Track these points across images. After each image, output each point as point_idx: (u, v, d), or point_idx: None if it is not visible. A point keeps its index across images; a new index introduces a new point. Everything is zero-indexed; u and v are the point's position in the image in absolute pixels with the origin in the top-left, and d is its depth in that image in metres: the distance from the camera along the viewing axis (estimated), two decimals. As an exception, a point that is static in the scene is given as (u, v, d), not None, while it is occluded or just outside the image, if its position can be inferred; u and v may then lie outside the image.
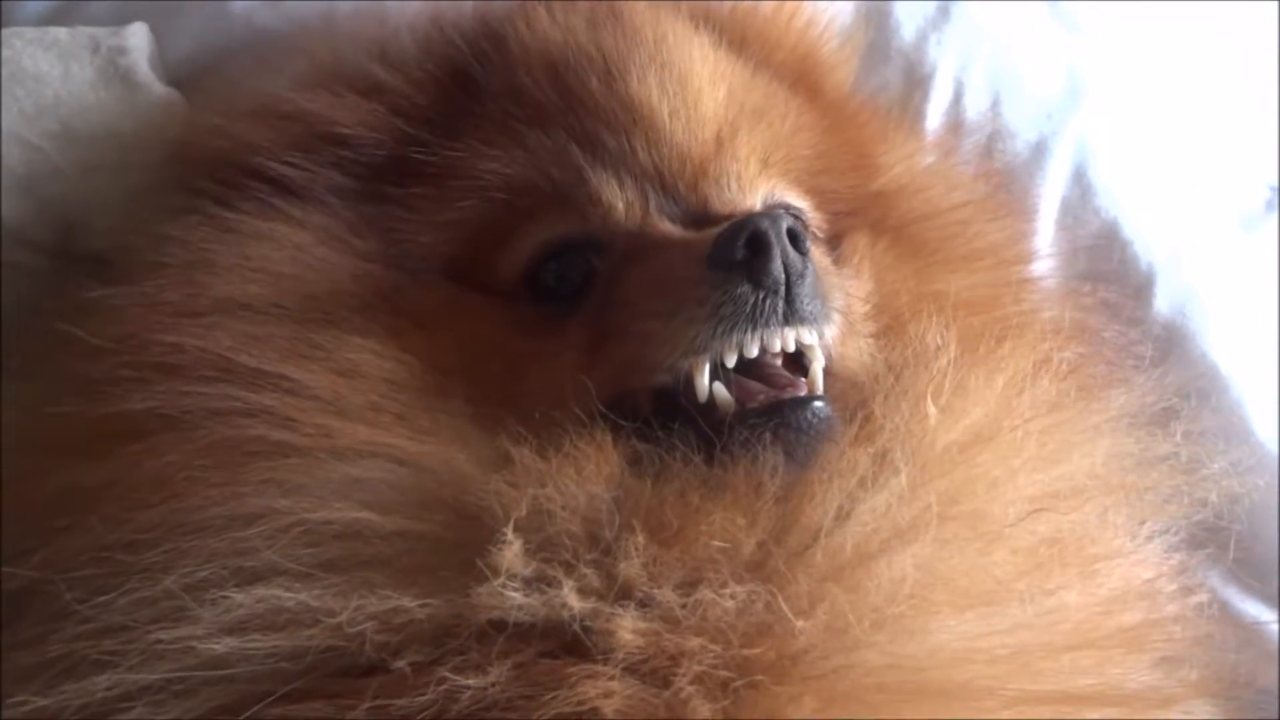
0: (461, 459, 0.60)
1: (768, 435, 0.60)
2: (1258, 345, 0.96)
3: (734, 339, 0.62)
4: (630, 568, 0.56)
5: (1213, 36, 1.30)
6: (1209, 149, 1.18)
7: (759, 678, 0.54)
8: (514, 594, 0.54)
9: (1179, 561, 0.83)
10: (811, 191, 0.78)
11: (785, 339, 0.62)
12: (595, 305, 0.66)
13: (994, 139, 0.97)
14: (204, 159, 0.72)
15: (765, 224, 0.62)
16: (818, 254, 0.68)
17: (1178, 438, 0.74)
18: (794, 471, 0.60)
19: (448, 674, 0.53)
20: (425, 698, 0.53)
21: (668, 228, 0.68)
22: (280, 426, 0.61)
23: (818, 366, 0.64)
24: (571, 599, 0.55)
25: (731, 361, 0.62)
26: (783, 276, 0.62)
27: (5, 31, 0.80)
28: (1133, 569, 0.68)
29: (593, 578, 0.56)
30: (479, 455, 0.60)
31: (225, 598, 0.55)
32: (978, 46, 0.99)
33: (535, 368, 0.65)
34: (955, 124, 0.97)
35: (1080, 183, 0.97)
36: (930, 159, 0.90)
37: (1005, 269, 0.83)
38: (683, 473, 0.59)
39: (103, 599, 0.57)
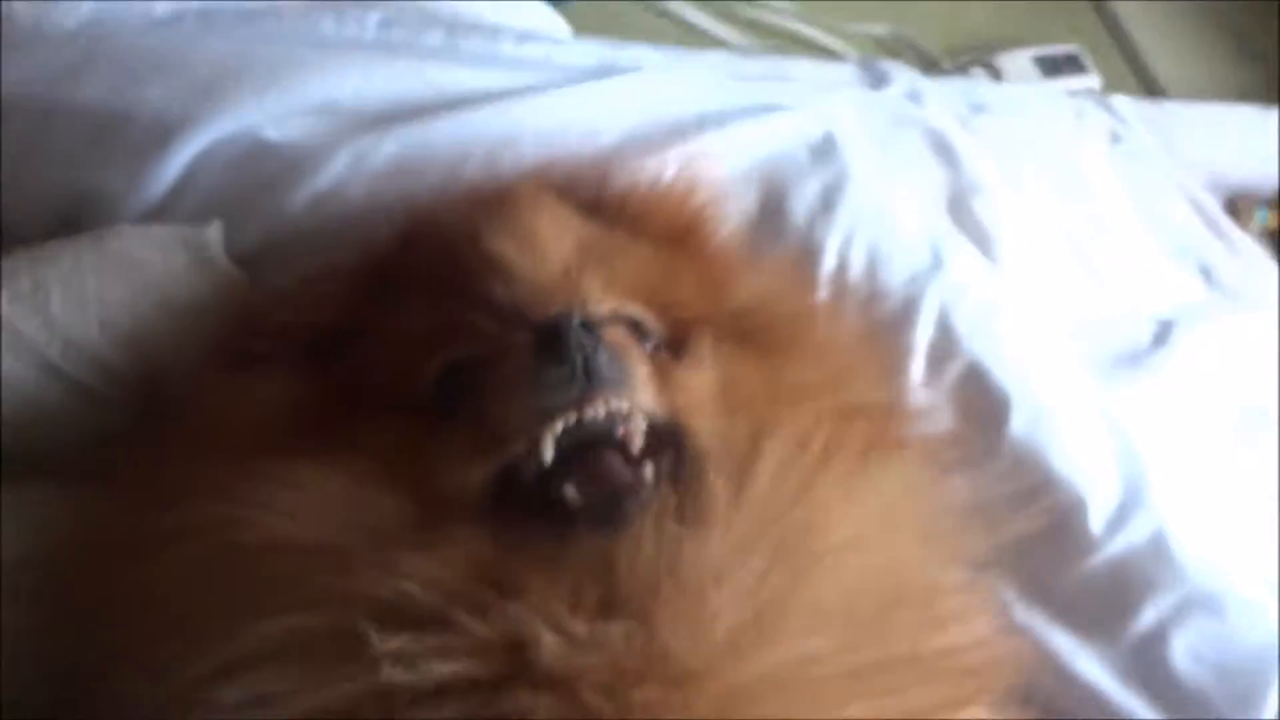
0: (363, 554, 0.71)
1: (605, 518, 0.73)
2: (1099, 458, 1.12)
3: (554, 400, 0.76)
4: (497, 624, 0.67)
5: (1093, 182, 1.54)
6: (1079, 290, 1.40)
7: (645, 685, 0.65)
8: (402, 673, 0.65)
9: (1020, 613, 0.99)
10: (657, 307, 0.90)
11: (595, 407, 0.76)
12: (471, 404, 0.80)
13: (870, 297, 1.18)
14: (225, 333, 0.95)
15: (559, 318, 0.77)
16: (620, 338, 0.82)
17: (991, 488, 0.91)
18: (620, 535, 0.72)
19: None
20: None
21: (520, 337, 0.81)
22: (250, 531, 0.73)
23: (649, 468, 0.76)
24: (439, 667, 0.66)
25: (559, 428, 0.75)
26: (580, 353, 0.76)
27: (118, 228, 1.03)
28: (954, 603, 0.79)
29: (461, 643, 0.67)
30: (374, 552, 0.71)
31: (222, 689, 0.67)
32: (856, 226, 1.20)
33: (434, 460, 0.78)
34: (839, 285, 1.18)
35: (943, 328, 1.16)
36: (771, 285, 1.05)
37: (839, 360, 0.99)
38: (538, 546, 0.72)
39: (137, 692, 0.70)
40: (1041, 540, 1.08)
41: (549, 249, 0.90)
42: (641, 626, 0.68)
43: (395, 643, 0.66)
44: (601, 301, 0.86)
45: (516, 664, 0.66)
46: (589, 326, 0.79)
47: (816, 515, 0.76)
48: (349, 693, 0.66)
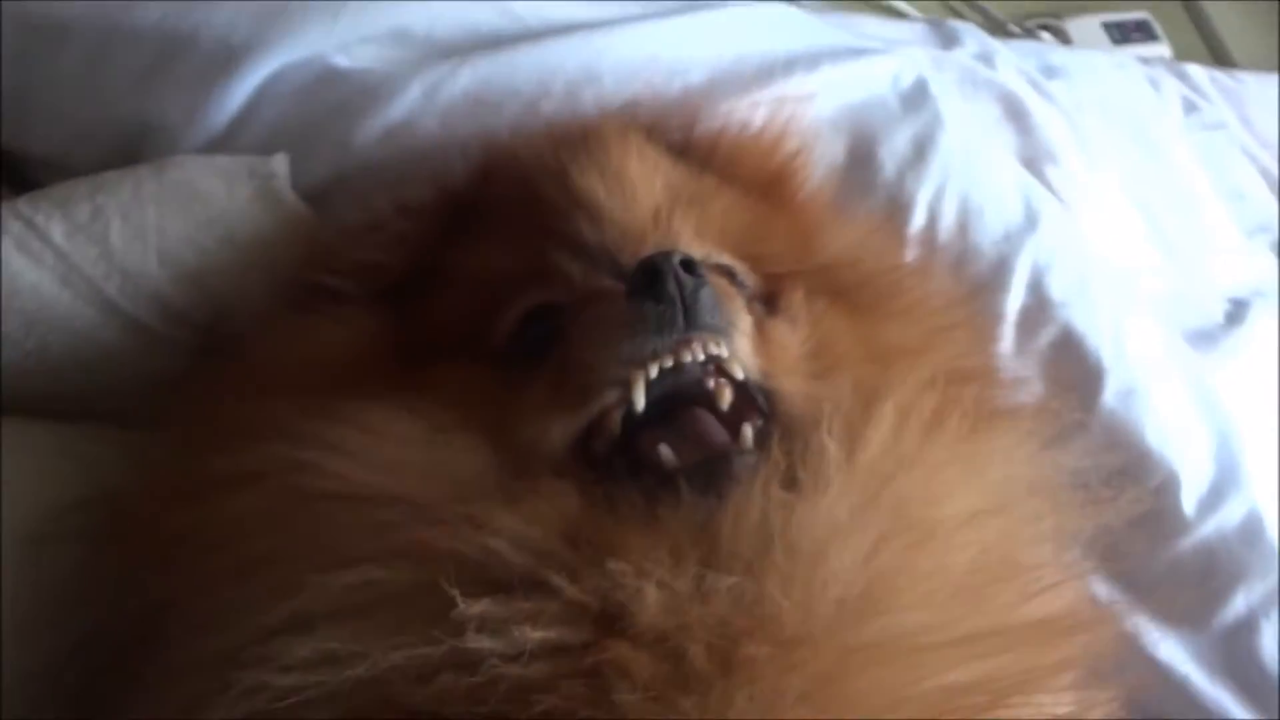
0: (446, 507, 0.68)
1: (704, 484, 0.69)
2: (1192, 436, 1.09)
3: (649, 347, 0.72)
4: (594, 584, 0.64)
5: (1173, 158, 1.48)
6: (1160, 264, 1.35)
7: (753, 643, 0.62)
8: (488, 640, 0.62)
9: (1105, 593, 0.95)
10: (748, 258, 0.87)
11: (694, 350, 0.72)
12: (556, 353, 0.77)
13: (962, 255, 1.13)
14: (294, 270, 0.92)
15: (660, 257, 0.74)
16: (720, 282, 0.79)
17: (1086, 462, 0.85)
18: (721, 503, 0.68)
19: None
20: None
21: (609, 283, 0.79)
22: (322, 477, 0.70)
23: (748, 429, 0.73)
24: (531, 634, 0.62)
25: (655, 372, 0.72)
26: (678, 293, 0.72)
27: (180, 158, 0.99)
28: (1062, 586, 0.76)
29: (552, 607, 0.63)
30: (459, 506, 0.68)
31: (288, 645, 0.64)
32: (948, 179, 1.15)
33: (513, 413, 0.75)
34: (930, 241, 1.13)
35: (1036, 293, 1.12)
36: (863, 240, 1.01)
37: (935, 321, 0.95)
38: (630, 507, 0.68)
39: (204, 638, 0.67)
40: (1131, 519, 1.03)
41: (639, 190, 0.86)
42: (751, 584, 0.65)
43: (482, 606, 0.63)
44: (693, 248, 0.82)
45: (610, 628, 0.65)
46: (691, 265, 0.75)
47: (932, 485, 0.74)
48: (428, 656, 0.62)
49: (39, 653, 0.77)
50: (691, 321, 0.72)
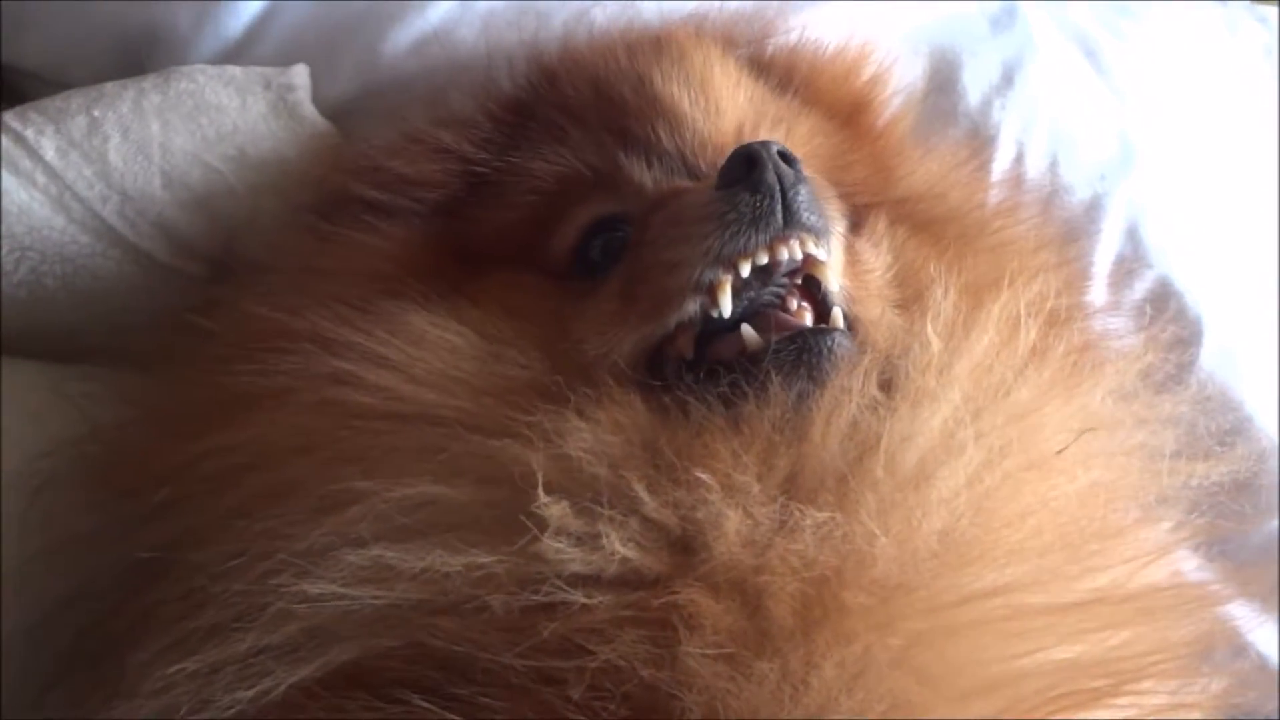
0: (506, 421, 0.63)
1: (794, 362, 0.64)
2: None
3: (741, 242, 0.66)
4: (675, 501, 0.59)
5: (1268, 109, 1.37)
6: (1258, 216, 1.24)
7: (846, 598, 0.57)
8: (568, 549, 0.58)
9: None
10: (830, 183, 0.79)
11: (791, 248, 0.67)
12: (627, 261, 0.72)
13: (1052, 195, 1.02)
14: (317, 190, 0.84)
15: (757, 145, 0.68)
16: (818, 179, 0.72)
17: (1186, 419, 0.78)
18: (814, 391, 0.63)
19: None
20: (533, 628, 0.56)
21: (685, 184, 0.74)
22: (364, 391, 0.66)
23: (838, 311, 0.68)
24: (616, 546, 0.58)
25: (746, 270, 0.66)
26: (777, 184, 0.66)
27: (187, 68, 0.89)
28: (1153, 538, 0.71)
29: (632, 523, 0.59)
30: (523, 417, 0.63)
31: (339, 558, 0.60)
32: (1038, 112, 1.05)
33: (578, 325, 0.70)
34: (1017, 180, 1.02)
35: (1133, 239, 1.03)
36: (945, 174, 0.94)
37: (1025, 262, 0.86)
38: (710, 415, 0.63)
39: (233, 564, 0.61)
40: (1224, 490, 0.93)
41: (723, 101, 0.79)
42: (841, 516, 0.59)
43: (561, 509, 0.59)
44: None
45: (686, 562, 0.58)
46: (789, 157, 0.68)
47: (1032, 414, 0.67)
48: (489, 567, 0.58)
49: (36, 601, 0.73)
50: (790, 218, 0.66)
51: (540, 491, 0.59)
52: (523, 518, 0.58)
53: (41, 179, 0.83)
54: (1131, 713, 0.61)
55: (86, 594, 0.71)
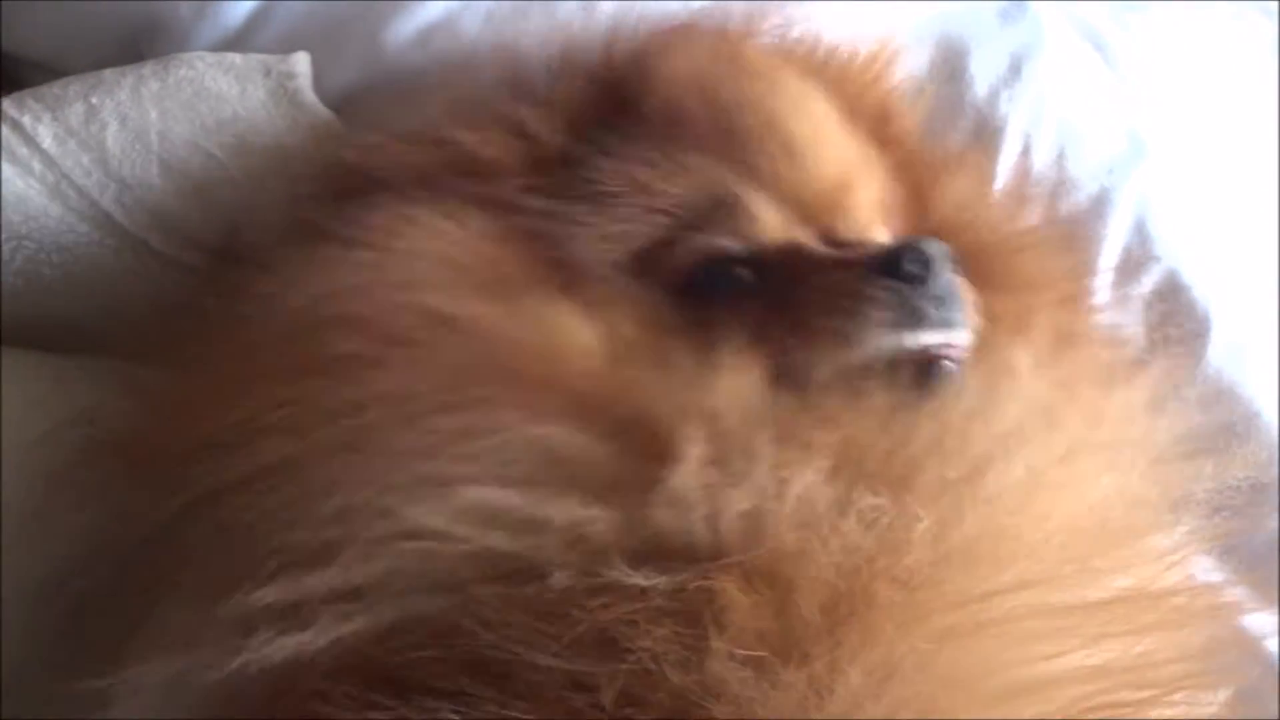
0: (651, 388, 0.65)
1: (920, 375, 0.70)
2: None
3: (912, 333, 0.71)
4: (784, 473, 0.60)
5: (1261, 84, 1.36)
6: (1268, 210, 1.24)
7: (876, 591, 0.57)
8: (682, 511, 0.59)
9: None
10: (887, 225, 0.84)
11: (943, 338, 0.72)
12: (755, 310, 0.74)
13: (1059, 189, 1.02)
14: (367, 171, 0.79)
15: (928, 245, 0.73)
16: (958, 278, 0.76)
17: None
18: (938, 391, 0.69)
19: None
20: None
21: (820, 246, 0.77)
22: (494, 371, 0.66)
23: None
24: (740, 503, 0.59)
25: (903, 352, 0.71)
26: (946, 290, 0.72)
27: (186, 55, 0.88)
28: (1164, 543, 0.72)
29: (754, 481, 0.60)
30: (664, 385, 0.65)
31: (447, 492, 0.59)
32: (1046, 105, 1.04)
33: (699, 356, 0.70)
34: (1023, 174, 1.01)
35: (1140, 232, 1.02)
36: (980, 199, 0.94)
37: (1047, 297, 0.88)
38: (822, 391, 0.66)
39: (318, 502, 0.60)
40: (1238, 491, 0.92)
41: (835, 144, 0.82)
42: (890, 503, 0.60)
43: (697, 454, 0.60)
44: (870, 218, 0.83)
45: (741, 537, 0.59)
46: (949, 257, 0.73)
47: (1056, 429, 0.70)
48: (584, 531, 0.59)
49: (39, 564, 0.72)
50: (946, 320, 0.72)
51: (681, 444, 0.60)
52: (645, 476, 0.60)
53: (38, 167, 0.83)
54: (1177, 712, 0.61)
55: (97, 558, 0.70)
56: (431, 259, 0.73)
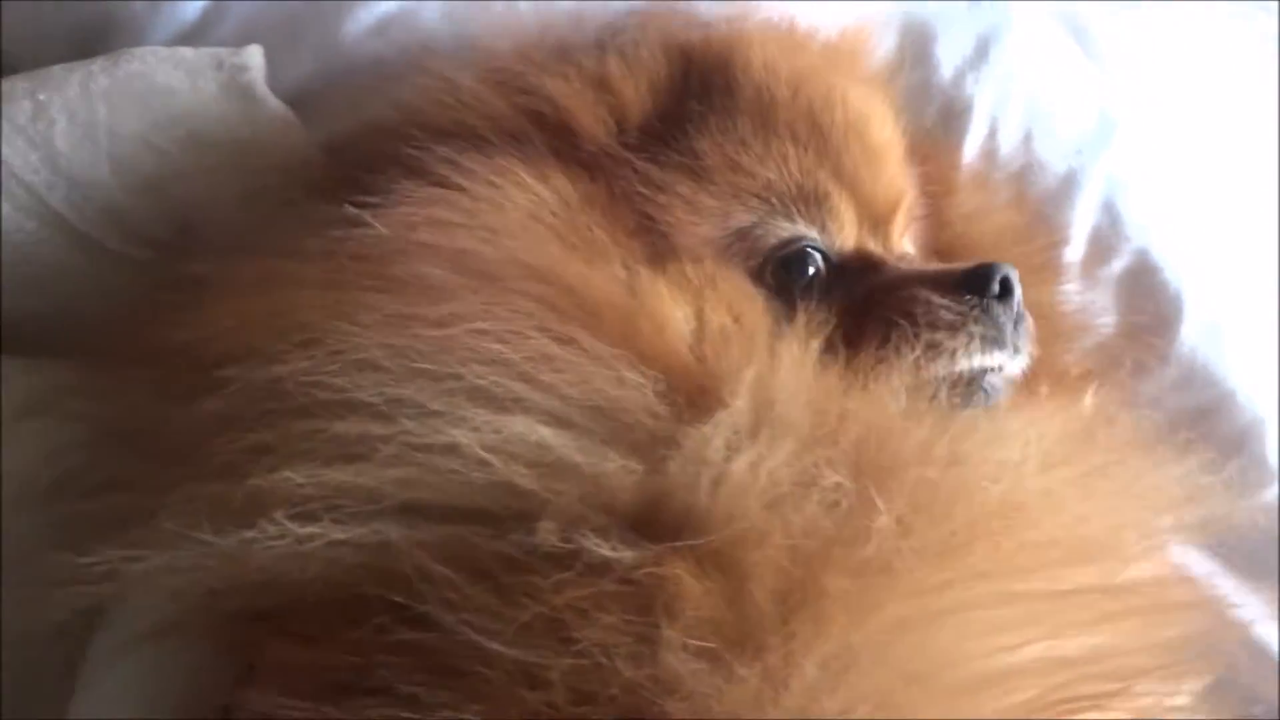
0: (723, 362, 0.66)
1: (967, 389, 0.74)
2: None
3: (992, 355, 0.76)
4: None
5: (1251, 83, 1.34)
6: (1240, 191, 1.21)
7: (830, 583, 0.56)
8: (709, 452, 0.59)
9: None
10: (911, 236, 0.88)
11: (1009, 363, 0.77)
12: (829, 307, 0.75)
13: (1026, 171, 1.01)
14: (458, 117, 0.78)
15: (1009, 270, 0.77)
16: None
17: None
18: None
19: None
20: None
21: (893, 258, 0.82)
22: (583, 316, 0.65)
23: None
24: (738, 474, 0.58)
25: (976, 370, 0.76)
26: (1021, 313, 0.77)
27: (138, 50, 0.87)
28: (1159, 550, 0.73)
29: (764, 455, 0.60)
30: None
31: (490, 418, 0.59)
32: (1012, 85, 1.03)
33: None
34: (989, 156, 1.01)
35: (1110, 213, 1.01)
36: (976, 205, 0.97)
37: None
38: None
39: (365, 395, 0.60)
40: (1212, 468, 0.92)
41: (900, 153, 0.86)
42: (852, 484, 0.59)
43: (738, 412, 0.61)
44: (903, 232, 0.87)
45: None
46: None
47: (1045, 430, 0.70)
48: (605, 482, 0.59)
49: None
50: (1020, 340, 0.78)
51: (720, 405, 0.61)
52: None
53: (-17, 165, 0.81)
54: (1146, 703, 0.61)
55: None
56: (521, 213, 0.73)
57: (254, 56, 0.87)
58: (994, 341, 0.76)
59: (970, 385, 0.76)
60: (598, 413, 0.61)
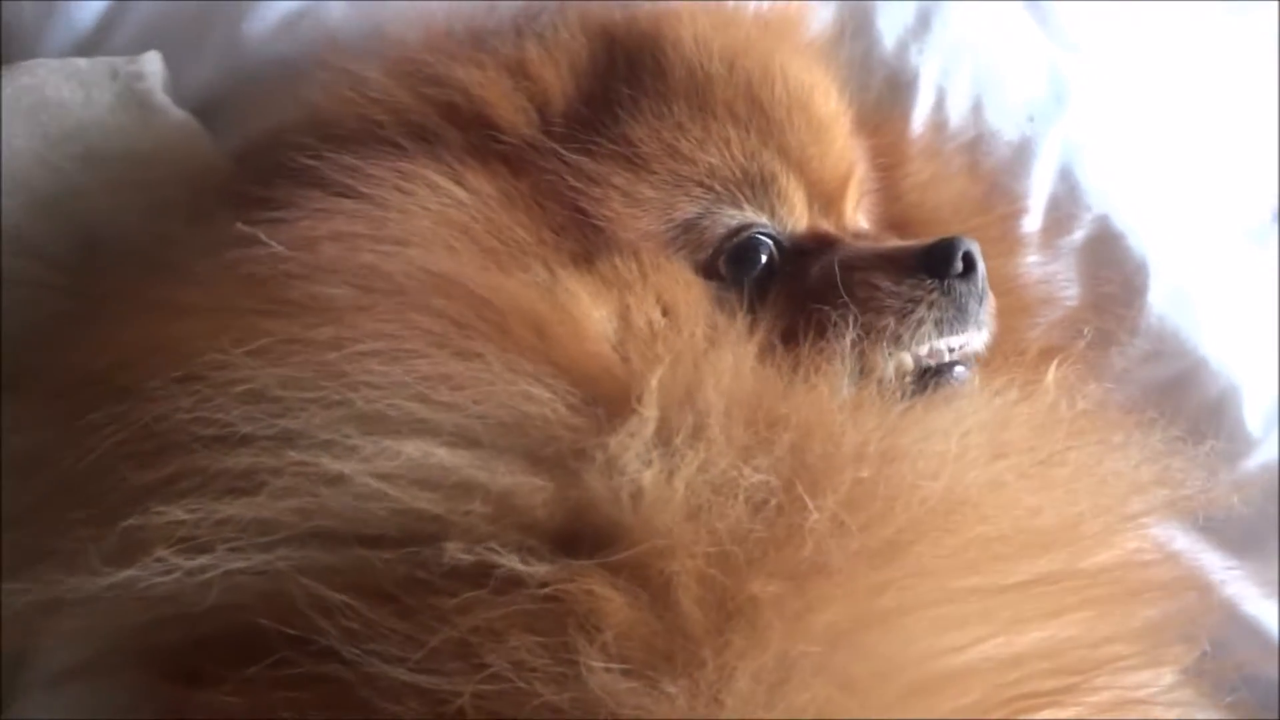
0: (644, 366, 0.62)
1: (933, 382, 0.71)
2: (1255, 341, 0.96)
3: (953, 334, 0.73)
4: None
5: (1209, 46, 1.31)
6: (1204, 155, 1.18)
7: (761, 588, 0.54)
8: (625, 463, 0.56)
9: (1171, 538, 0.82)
10: (863, 212, 0.85)
11: (971, 340, 0.74)
12: (782, 297, 0.73)
13: (977, 141, 0.98)
14: (361, 116, 0.74)
15: (970, 245, 0.74)
16: None
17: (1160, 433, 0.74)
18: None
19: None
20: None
21: (849, 237, 0.78)
22: (489, 329, 0.62)
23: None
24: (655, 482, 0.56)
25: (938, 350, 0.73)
26: (985, 288, 0.74)
27: (29, 63, 0.83)
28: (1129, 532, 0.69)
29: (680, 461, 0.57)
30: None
31: (385, 444, 0.57)
32: (959, 53, 1.00)
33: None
34: (938, 128, 0.98)
35: (1067, 180, 0.98)
36: (929, 176, 0.93)
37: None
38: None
39: (258, 427, 0.57)
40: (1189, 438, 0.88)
41: (846, 126, 0.82)
42: (779, 482, 0.57)
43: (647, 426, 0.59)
44: (858, 206, 0.85)
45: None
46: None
47: (1001, 418, 0.68)
48: (534, 490, 0.57)
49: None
50: (982, 317, 0.75)
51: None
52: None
53: None
54: (1107, 698, 0.59)
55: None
56: (431, 219, 0.69)
57: (151, 63, 0.84)
58: (953, 322, 0.73)
59: (938, 375, 0.73)
60: (504, 429, 0.58)
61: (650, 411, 0.58)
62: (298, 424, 0.57)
